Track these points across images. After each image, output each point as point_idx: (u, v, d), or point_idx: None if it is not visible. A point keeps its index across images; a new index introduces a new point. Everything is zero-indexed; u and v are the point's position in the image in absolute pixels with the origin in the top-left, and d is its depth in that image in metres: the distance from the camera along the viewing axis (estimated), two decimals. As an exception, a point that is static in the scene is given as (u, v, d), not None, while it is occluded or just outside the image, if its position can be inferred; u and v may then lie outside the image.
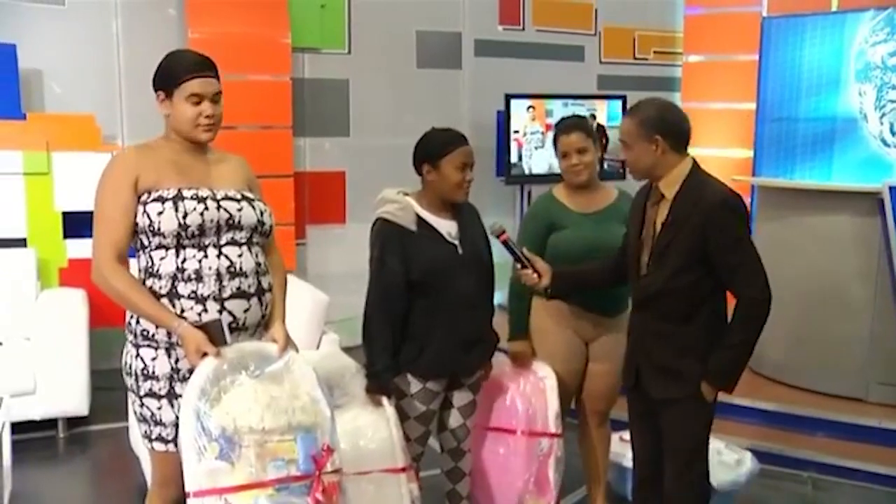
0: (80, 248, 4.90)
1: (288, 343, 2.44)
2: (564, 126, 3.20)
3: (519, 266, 2.93)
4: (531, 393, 3.16)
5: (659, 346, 2.66)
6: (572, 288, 3.04)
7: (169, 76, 2.38)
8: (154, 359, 2.36)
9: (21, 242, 4.90)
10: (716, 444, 3.54)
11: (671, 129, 2.60)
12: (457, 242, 2.85)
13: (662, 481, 2.74)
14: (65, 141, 4.99)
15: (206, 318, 2.32)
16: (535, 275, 2.90)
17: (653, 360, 2.68)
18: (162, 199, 2.32)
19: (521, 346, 3.23)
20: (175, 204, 2.31)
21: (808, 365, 4.69)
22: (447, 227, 2.86)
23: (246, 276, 2.39)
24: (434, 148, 2.81)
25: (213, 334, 2.28)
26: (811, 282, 4.68)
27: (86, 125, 5.12)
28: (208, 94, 2.38)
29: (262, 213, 2.46)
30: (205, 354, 2.25)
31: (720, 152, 7.16)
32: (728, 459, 3.55)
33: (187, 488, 2.20)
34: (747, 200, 6.76)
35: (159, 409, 2.37)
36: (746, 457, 3.60)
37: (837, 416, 4.33)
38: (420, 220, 2.83)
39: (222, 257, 2.36)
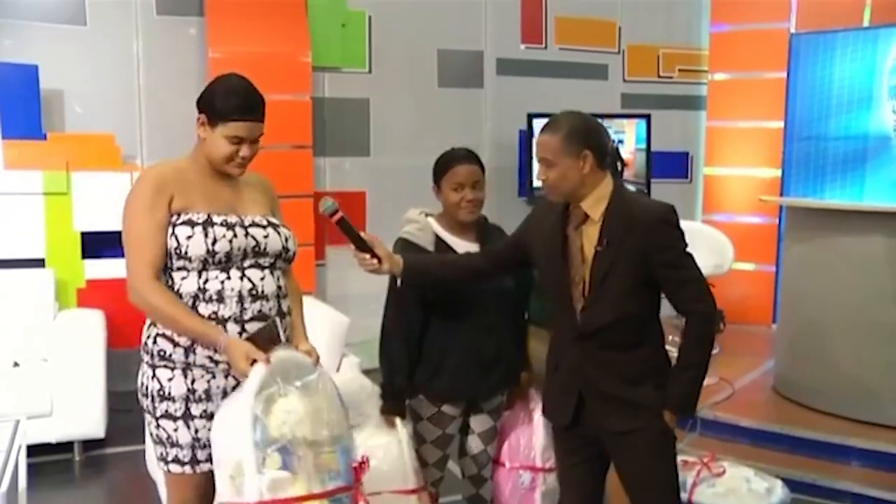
0: (98, 268, 4.91)
1: (318, 356, 2.43)
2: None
3: (355, 248, 2.61)
4: (515, 424, 3.04)
5: (608, 376, 2.43)
6: (424, 281, 2.75)
7: (217, 108, 2.32)
8: (170, 379, 2.33)
9: (39, 262, 4.89)
10: (745, 472, 3.48)
11: (597, 143, 2.41)
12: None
13: None
14: (84, 161, 4.98)
15: (251, 327, 2.29)
16: (375, 260, 2.59)
17: (601, 392, 2.44)
18: (192, 224, 2.29)
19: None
20: (205, 229, 2.28)
21: (843, 391, 4.54)
22: (467, 248, 2.82)
23: (267, 300, 2.37)
24: (435, 170, 2.82)
25: (261, 343, 2.25)
26: (843, 305, 4.55)
27: (105, 145, 5.11)
28: (249, 138, 2.36)
29: (286, 240, 2.45)
30: (254, 362, 2.20)
31: (747, 171, 7.08)
32: (758, 488, 3.45)
33: (247, 499, 2.12)
34: (775, 221, 6.69)
35: (175, 430, 2.35)
36: (777, 485, 3.49)
37: (874, 445, 4.18)
38: (438, 241, 2.82)
39: (245, 279, 2.34)
